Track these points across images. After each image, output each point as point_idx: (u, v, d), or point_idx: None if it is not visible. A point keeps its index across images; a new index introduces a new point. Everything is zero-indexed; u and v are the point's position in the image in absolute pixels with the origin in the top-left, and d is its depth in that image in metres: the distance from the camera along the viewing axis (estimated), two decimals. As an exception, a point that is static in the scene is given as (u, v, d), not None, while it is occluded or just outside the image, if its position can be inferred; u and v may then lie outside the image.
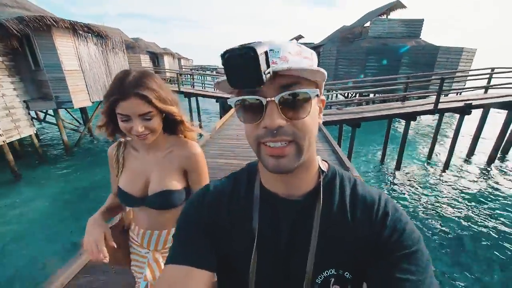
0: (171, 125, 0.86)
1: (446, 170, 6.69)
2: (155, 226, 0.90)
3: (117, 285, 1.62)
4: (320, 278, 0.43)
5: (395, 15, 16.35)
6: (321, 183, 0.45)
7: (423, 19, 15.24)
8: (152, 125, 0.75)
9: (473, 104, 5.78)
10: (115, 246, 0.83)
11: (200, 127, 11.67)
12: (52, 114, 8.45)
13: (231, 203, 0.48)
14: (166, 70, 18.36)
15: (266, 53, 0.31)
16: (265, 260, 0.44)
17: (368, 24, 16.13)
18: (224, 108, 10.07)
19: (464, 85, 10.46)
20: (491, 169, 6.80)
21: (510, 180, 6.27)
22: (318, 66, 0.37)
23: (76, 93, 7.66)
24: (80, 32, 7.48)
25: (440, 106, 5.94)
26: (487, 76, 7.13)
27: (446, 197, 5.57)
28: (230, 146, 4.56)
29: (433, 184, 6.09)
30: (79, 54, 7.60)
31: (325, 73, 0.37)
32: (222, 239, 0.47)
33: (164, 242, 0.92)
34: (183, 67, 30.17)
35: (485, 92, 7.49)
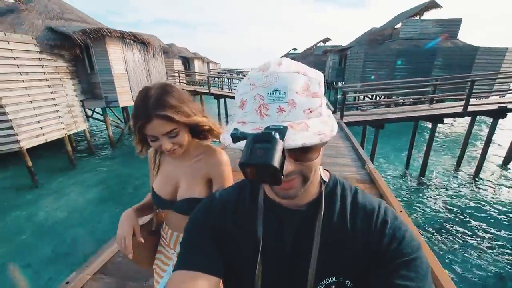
0: (201, 132, 0.87)
1: (476, 178, 6.44)
2: (181, 229, 0.91)
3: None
4: (321, 285, 0.43)
5: (429, 15, 15.66)
6: (323, 193, 0.46)
7: (461, 19, 14.40)
8: (179, 141, 0.78)
9: (508, 107, 5.55)
10: (142, 241, 0.86)
11: (227, 122, 12.30)
12: (101, 112, 9.67)
13: (236, 211, 0.50)
14: (196, 73, 19.56)
15: (283, 150, 0.31)
16: (269, 267, 0.46)
17: (399, 25, 15.66)
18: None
19: (509, 87, 9.80)
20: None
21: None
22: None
23: (121, 94, 8.71)
24: (127, 40, 8.52)
25: (471, 108, 5.79)
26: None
27: (473, 207, 5.41)
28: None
29: (460, 193, 5.92)
30: (125, 59, 8.65)
31: (335, 130, 0.38)
32: (228, 246, 0.48)
33: None
34: (211, 70, 31.61)
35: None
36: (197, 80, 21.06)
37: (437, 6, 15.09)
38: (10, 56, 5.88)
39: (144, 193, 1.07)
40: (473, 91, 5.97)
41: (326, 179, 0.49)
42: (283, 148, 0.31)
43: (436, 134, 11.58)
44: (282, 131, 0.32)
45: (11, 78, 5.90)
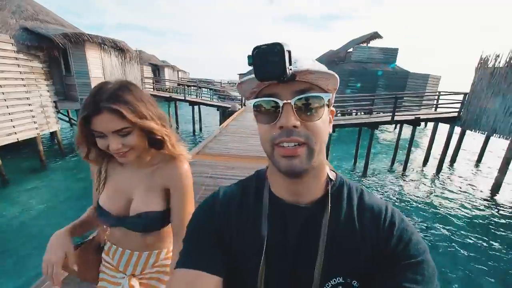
0: (156, 141, 0.77)
1: (404, 175, 8.26)
2: (135, 248, 0.84)
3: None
4: (328, 286, 0.43)
5: (373, 43, 18.75)
6: (329, 191, 0.46)
7: (397, 48, 17.61)
8: (130, 142, 0.69)
9: (421, 117, 7.49)
10: (76, 270, 0.78)
11: (200, 130, 12.97)
12: (65, 114, 9.58)
13: (240, 209, 0.49)
14: (166, 80, 19.79)
15: (289, 52, 0.34)
16: (273, 266, 0.45)
17: (351, 50, 18.40)
18: (224, 115, 11.49)
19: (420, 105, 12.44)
20: (440, 176, 8.42)
21: (454, 184, 7.88)
22: None
23: (98, 97, 8.91)
24: (106, 46, 8.87)
25: (397, 118, 7.61)
26: (435, 97, 9.00)
27: (401, 197, 7.06)
28: (233, 144, 5.92)
29: (394, 186, 7.57)
30: (103, 64, 8.95)
31: (338, 79, 0.39)
32: (231, 245, 0.48)
33: (144, 266, 0.86)
34: (181, 79, 31.77)
35: (435, 109, 9.33)
36: (167, 87, 21.25)
37: (379, 36, 18.25)
38: (-14, 54, 5.94)
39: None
40: (402, 105, 7.74)
41: (333, 178, 0.48)
42: (289, 56, 0.34)
43: (380, 141, 13.89)
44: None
45: (-13, 76, 5.94)
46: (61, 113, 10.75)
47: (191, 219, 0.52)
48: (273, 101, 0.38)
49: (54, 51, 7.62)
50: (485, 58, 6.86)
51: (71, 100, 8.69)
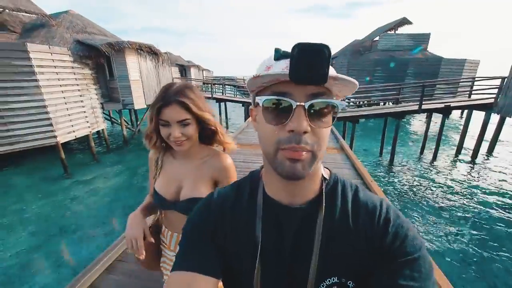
0: (207, 135, 0.92)
1: (433, 163, 8.04)
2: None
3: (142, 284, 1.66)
4: (323, 286, 0.43)
5: (402, 30, 17.81)
6: (323, 191, 0.45)
7: (429, 33, 16.54)
8: (188, 132, 0.82)
9: (451, 105, 7.20)
10: (154, 241, 0.90)
11: (227, 127, 13.68)
12: (107, 114, 10.77)
13: (234, 210, 0.49)
14: (193, 80, 20.85)
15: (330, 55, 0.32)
16: (268, 267, 0.45)
17: (377, 38, 17.70)
18: (247, 112, 12.00)
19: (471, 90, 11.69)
20: (475, 163, 8.04)
21: (488, 174, 7.50)
22: None
23: (136, 98, 9.90)
24: (142, 51, 9.80)
25: (425, 107, 7.42)
26: (469, 83, 8.49)
27: (431, 188, 6.95)
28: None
29: (423, 175, 7.45)
30: (140, 68, 9.91)
31: (357, 87, 0.38)
32: (226, 247, 0.48)
33: None
34: (206, 77, 32.98)
35: (469, 97, 8.81)
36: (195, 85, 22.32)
37: (408, 22, 17.25)
38: (51, 65, 7.04)
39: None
40: (434, 94, 7.49)
41: (326, 176, 0.48)
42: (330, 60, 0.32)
43: (409, 129, 13.35)
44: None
45: (52, 83, 7.05)
46: (104, 114, 12.13)
47: (186, 221, 0.52)
48: (286, 101, 0.36)
49: (100, 59, 8.68)
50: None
51: (114, 101, 9.81)
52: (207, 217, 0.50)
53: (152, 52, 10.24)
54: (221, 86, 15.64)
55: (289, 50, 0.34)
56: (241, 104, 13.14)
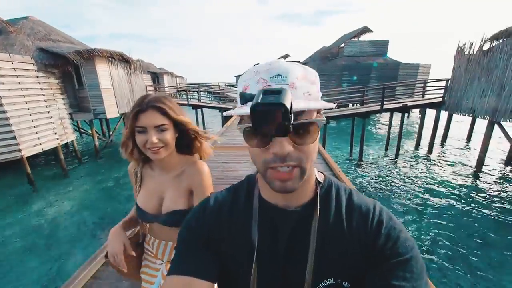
0: (186, 143, 0.93)
1: (396, 159, 8.91)
2: (169, 238, 0.97)
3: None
4: (319, 287, 0.43)
5: (364, 37, 19.39)
6: (318, 194, 0.47)
7: (388, 40, 18.22)
8: (166, 138, 0.83)
9: (408, 105, 8.13)
10: (134, 255, 0.93)
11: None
12: (75, 125, 10.28)
13: (231, 214, 0.50)
14: (166, 86, 20.52)
15: (291, 107, 0.31)
16: (264, 270, 0.46)
17: (343, 45, 19.04)
18: (226, 118, 12.17)
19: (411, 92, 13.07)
20: (433, 157, 9.06)
21: (441, 165, 8.52)
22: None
23: (108, 107, 9.58)
24: (113, 59, 9.57)
25: (386, 107, 8.25)
26: (422, 85, 9.64)
27: (393, 180, 7.70)
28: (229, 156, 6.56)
29: (388, 169, 8.21)
30: (111, 76, 9.64)
31: (333, 107, 0.40)
32: (222, 250, 0.48)
33: None
34: (179, 84, 32.50)
35: (423, 97, 9.96)
36: (167, 93, 21.97)
37: (369, 30, 18.87)
38: (13, 74, 6.64)
39: (126, 194, 1.29)
40: (395, 95, 8.36)
41: (321, 180, 0.49)
42: (291, 105, 0.31)
43: (376, 129, 14.48)
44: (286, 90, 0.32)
45: (14, 94, 6.63)
46: (73, 124, 11.49)
47: (182, 225, 0.52)
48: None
49: (68, 67, 8.32)
50: (462, 46, 7.49)
51: (84, 111, 9.39)
52: (202, 222, 0.50)
53: (123, 59, 10.03)
54: (196, 92, 15.61)
55: (256, 84, 0.38)
56: (218, 110, 13.27)
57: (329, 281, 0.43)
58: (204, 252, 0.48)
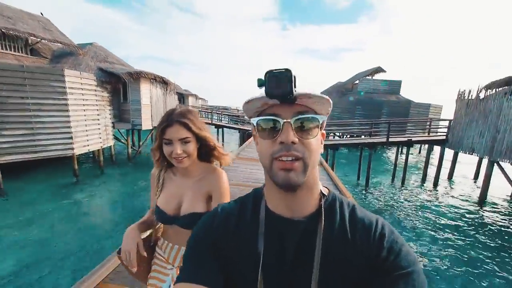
0: (206, 152, 1.02)
1: (402, 187, 9.41)
2: (182, 243, 0.99)
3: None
4: None
5: (378, 76, 20.70)
6: (323, 206, 0.49)
7: (401, 80, 19.33)
8: (189, 149, 0.91)
9: (412, 139, 8.84)
10: (146, 256, 0.96)
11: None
12: (118, 134, 11.77)
13: (238, 225, 0.52)
14: (191, 106, 22.49)
15: (295, 77, 0.40)
16: (270, 280, 0.47)
17: (357, 82, 20.38)
18: (243, 138, 13.32)
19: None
20: (436, 190, 9.47)
21: (446, 196, 8.91)
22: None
23: (144, 120, 11.07)
24: (156, 80, 11.27)
25: (392, 139, 9.02)
26: (428, 122, 10.39)
27: (398, 206, 8.20)
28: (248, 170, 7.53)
29: (394, 197, 8.72)
30: (151, 94, 11.27)
31: (331, 104, 0.45)
32: (229, 261, 0.50)
33: None
34: (201, 105, 34.90)
35: (428, 133, 10.63)
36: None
37: (383, 70, 20.23)
38: (80, 87, 8.23)
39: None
40: (406, 130, 9.14)
41: (325, 193, 0.52)
42: (295, 80, 0.40)
43: (384, 160, 14.94)
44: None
45: (77, 103, 8.16)
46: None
47: (191, 236, 0.54)
48: (275, 119, 0.44)
49: (118, 84, 10.00)
50: (462, 92, 8.35)
51: (124, 121, 10.91)
52: (210, 232, 0.52)
53: (163, 81, 11.73)
54: (218, 114, 17.14)
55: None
56: (237, 131, 14.54)
57: None
58: (211, 261, 0.49)
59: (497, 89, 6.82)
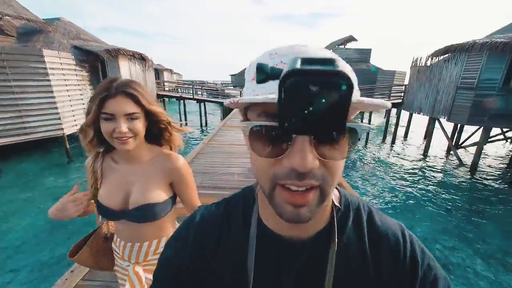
0: (156, 133, 0.86)
1: (365, 147, 11.03)
2: (135, 239, 0.89)
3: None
4: None
5: (349, 45, 21.64)
6: (335, 221, 0.37)
7: (371, 49, 20.50)
8: (136, 127, 0.76)
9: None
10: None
11: (206, 125, 15.41)
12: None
13: (220, 242, 0.40)
14: (166, 82, 22.13)
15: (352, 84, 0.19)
16: None
17: (330, 51, 21.17)
18: (225, 111, 14.00)
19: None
20: (392, 147, 11.21)
21: (401, 151, 10.68)
22: None
23: (127, 97, 11.28)
24: (134, 57, 11.25)
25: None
26: (389, 88, 11.85)
27: (364, 160, 9.76)
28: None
29: (357, 154, 10.27)
30: (130, 71, 11.31)
31: (389, 106, 0.28)
32: (208, 286, 0.40)
33: (145, 254, 0.91)
34: (177, 81, 33.97)
35: (388, 98, 12.15)
36: (166, 88, 23.58)
37: (354, 39, 21.11)
38: (60, 67, 8.27)
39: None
40: (373, 96, 10.42)
41: (336, 201, 0.39)
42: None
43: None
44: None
45: (60, 83, 8.26)
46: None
47: (158, 260, 0.43)
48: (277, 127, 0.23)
49: (96, 63, 9.96)
50: (415, 59, 9.65)
51: (106, 100, 11.05)
52: (182, 254, 0.41)
53: (141, 57, 11.72)
54: (198, 88, 17.30)
55: (280, 63, 0.27)
56: (219, 105, 15.07)
57: None
58: (181, 286, 0.40)
59: (439, 57, 8.12)
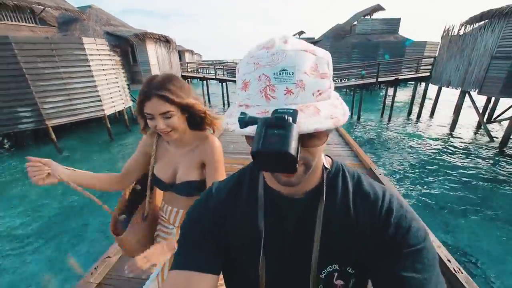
0: (196, 120, 0.98)
1: (389, 123, 10.87)
2: (180, 207, 1.07)
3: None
4: (324, 273, 0.44)
5: (376, 15, 20.15)
6: (325, 181, 0.46)
7: (400, 18, 18.93)
8: (173, 123, 0.87)
9: (399, 78, 9.87)
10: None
11: (229, 105, 15.91)
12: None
13: (235, 204, 0.50)
14: (189, 63, 22.70)
15: (297, 153, 0.29)
16: (271, 258, 0.47)
17: (355, 23, 19.96)
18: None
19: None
20: (417, 123, 10.92)
21: (427, 127, 10.39)
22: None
23: (155, 79, 12.03)
24: (160, 40, 11.78)
25: (381, 79, 10.07)
26: (417, 61, 11.24)
27: (383, 136, 9.73)
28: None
29: (378, 130, 10.22)
30: (157, 54, 11.93)
31: (345, 121, 0.36)
32: (228, 240, 0.49)
33: None
34: (198, 61, 34.37)
35: (416, 71, 11.53)
36: (189, 70, 24.19)
37: (382, 8, 19.58)
38: (97, 53, 9.05)
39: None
40: (400, 69, 10.06)
41: (328, 165, 0.48)
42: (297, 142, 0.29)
43: (379, 101, 16.11)
44: (293, 114, 0.30)
45: (98, 68, 9.10)
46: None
47: (184, 219, 0.52)
48: None
49: (126, 47, 10.66)
50: (448, 28, 9.00)
51: (136, 83, 11.88)
52: (205, 214, 0.51)
53: (166, 40, 12.22)
54: (220, 69, 17.60)
55: (257, 82, 0.35)
56: (239, 84, 15.34)
57: (334, 266, 0.45)
58: (206, 244, 0.48)
59: (473, 25, 7.57)
